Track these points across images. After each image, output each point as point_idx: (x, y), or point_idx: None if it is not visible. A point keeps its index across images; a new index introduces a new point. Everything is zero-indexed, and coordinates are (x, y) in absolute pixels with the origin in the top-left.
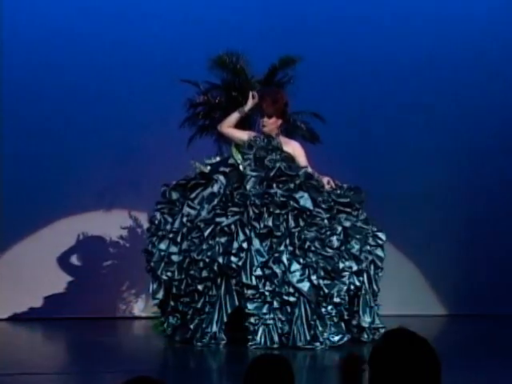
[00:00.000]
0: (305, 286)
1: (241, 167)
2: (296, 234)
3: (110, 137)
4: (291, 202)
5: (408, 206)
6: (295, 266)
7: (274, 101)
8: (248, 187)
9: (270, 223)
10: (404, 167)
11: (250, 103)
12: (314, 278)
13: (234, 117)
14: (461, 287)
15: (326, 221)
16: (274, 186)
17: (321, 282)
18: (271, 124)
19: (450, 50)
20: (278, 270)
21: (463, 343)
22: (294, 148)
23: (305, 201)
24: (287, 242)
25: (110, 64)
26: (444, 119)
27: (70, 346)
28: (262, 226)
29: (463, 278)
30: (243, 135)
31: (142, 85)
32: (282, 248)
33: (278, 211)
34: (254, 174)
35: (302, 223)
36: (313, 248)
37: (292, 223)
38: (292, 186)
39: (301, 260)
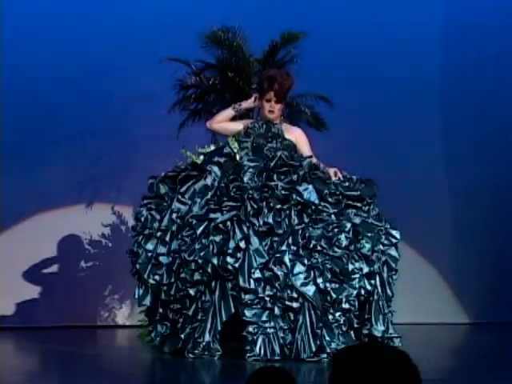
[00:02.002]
0: (310, 290)
1: (237, 157)
2: (300, 231)
3: (91, 123)
4: (294, 196)
5: (427, 203)
6: (299, 268)
7: (285, 85)
8: (245, 179)
9: (271, 220)
10: (423, 159)
11: (250, 103)
12: (320, 281)
13: (227, 113)
14: (486, 293)
15: (333, 216)
16: (275, 177)
17: (328, 285)
18: (279, 110)
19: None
20: (279, 273)
21: (489, 354)
22: (296, 135)
23: (309, 194)
24: (290, 240)
25: (89, 41)
26: (470, 107)
27: (45, 359)
28: (261, 222)
29: (488, 284)
30: (238, 126)
31: (125, 65)
32: (284, 247)
33: (279, 206)
34: (251, 164)
35: (306, 219)
36: (319, 247)
37: (295, 219)
38: (295, 177)
39: (305, 261)
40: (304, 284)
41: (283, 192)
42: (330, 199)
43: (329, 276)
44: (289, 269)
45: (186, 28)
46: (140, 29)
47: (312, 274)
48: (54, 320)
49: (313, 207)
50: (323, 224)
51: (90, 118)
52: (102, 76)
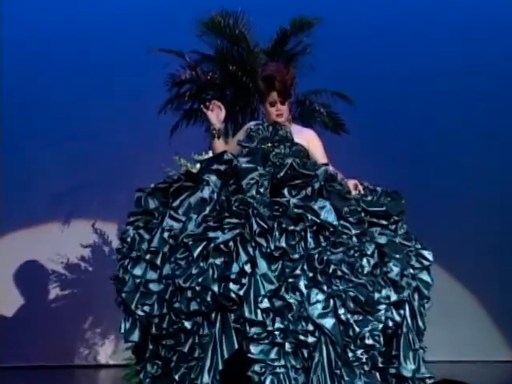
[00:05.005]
0: (328, 322)
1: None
2: (316, 255)
3: (69, 125)
4: (309, 216)
5: (464, 218)
6: (317, 296)
7: (287, 82)
8: (249, 192)
9: (284, 243)
10: (462, 167)
11: (217, 113)
12: (341, 311)
13: (217, 145)
14: None
15: (354, 239)
16: (286, 192)
17: (350, 317)
18: (286, 111)
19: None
20: (292, 301)
21: None
22: (308, 138)
23: (327, 213)
24: (305, 265)
25: (69, 32)
26: (504, 110)
27: None
28: (272, 246)
29: None
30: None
31: (109, 57)
32: (299, 272)
33: (292, 227)
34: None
35: (323, 243)
36: (339, 273)
37: (311, 243)
38: (309, 191)
39: (324, 288)
40: (322, 315)
41: (296, 210)
42: (350, 218)
43: (351, 306)
44: (304, 296)
45: (178, 13)
46: (125, 15)
47: (332, 304)
48: (23, 359)
49: (331, 229)
50: (343, 248)
51: (68, 119)
52: (83, 69)
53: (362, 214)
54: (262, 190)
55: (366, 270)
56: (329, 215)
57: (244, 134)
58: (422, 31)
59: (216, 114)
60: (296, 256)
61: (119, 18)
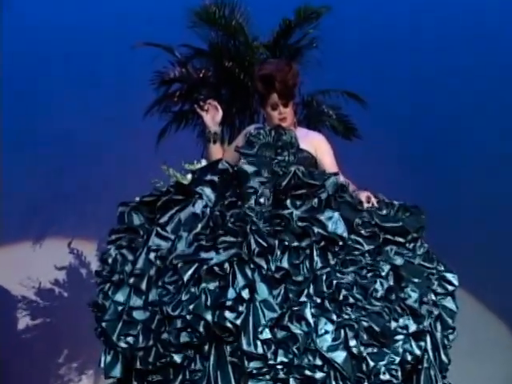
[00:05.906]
0: (339, 355)
1: None
2: (324, 277)
3: (43, 130)
4: (315, 228)
5: (500, 238)
6: (325, 326)
7: (288, 81)
8: (247, 204)
9: (286, 264)
10: (492, 175)
11: (214, 115)
12: (353, 343)
13: (214, 150)
14: None
15: (367, 256)
16: (289, 203)
17: (363, 350)
18: (290, 114)
19: None
20: (298, 331)
21: None
22: (316, 144)
23: (335, 224)
24: (311, 289)
25: (47, 30)
26: None
27: None
28: (272, 267)
29: None
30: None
31: (89, 53)
32: (304, 298)
33: (295, 244)
34: None
35: (332, 261)
36: (351, 300)
37: (318, 261)
38: (315, 202)
39: (334, 317)
40: (332, 348)
41: (300, 223)
42: (362, 231)
43: (365, 337)
44: (311, 327)
45: (166, 2)
46: (107, 7)
47: (343, 335)
48: None
49: (340, 243)
50: (355, 267)
51: (44, 125)
52: (61, 65)
53: (376, 229)
54: (262, 200)
55: (380, 293)
56: (338, 226)
57: (243, 139)
58: (443, 26)
59: (212, 116)
60: (300, 278)
61: (102, 12)
